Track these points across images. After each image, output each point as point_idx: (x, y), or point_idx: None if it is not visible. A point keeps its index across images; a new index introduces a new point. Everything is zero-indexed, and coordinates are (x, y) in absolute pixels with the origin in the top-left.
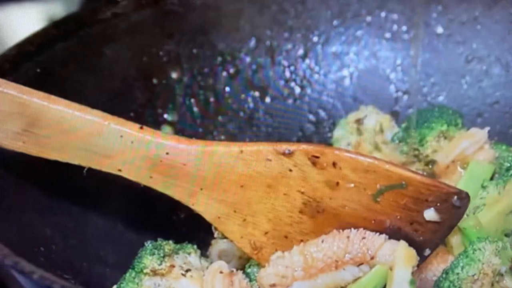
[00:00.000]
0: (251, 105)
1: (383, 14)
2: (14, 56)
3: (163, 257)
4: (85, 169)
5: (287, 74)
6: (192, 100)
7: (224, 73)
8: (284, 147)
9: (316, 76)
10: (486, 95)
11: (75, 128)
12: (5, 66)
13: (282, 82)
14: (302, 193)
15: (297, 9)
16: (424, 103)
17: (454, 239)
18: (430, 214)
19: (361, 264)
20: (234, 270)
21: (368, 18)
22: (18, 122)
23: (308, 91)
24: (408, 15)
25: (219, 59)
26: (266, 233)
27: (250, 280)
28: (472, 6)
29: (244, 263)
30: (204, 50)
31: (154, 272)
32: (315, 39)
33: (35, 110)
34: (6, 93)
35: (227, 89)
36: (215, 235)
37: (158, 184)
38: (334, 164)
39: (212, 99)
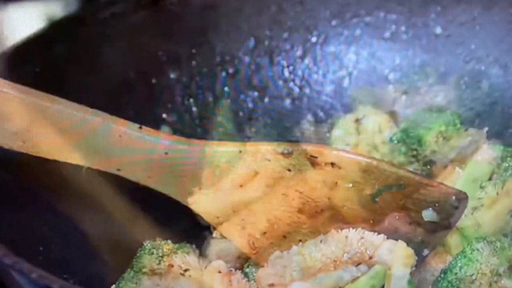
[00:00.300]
0: (250, 105)
1: (381, 14)
2: (14, 56)
3: (162, 257)
4: (84, 168)
5: (286, 74)
6: (191, 100)
7: (223, 73)
8: (283, 147)
9: (314, 76)
10: (484, 96)
11: (75, 128)
12: (5, 66)
13: (281, 82)
14: (301, 193)
15: (296, 10)
16: (423, 103)
17: (453, 239)
18: (428, 214)
19: (360, 264)
20: (233, 270)
21: (367, 19)
22: (18, 122)
23: (307, 91)
24: (407, 16)
25: (218, 59)
26: (264, 233)
27: (249, 280)
28: (470, 7)
29: (242, 262)
30: (203, 50)
31: (153, 272)
32: (314, 39)
33: (35, 110)
34: (6, 93)
35: (226, 89)
36: (214, 235)
37: (157, 184)
38: (332, 164)
39: (211, 99)
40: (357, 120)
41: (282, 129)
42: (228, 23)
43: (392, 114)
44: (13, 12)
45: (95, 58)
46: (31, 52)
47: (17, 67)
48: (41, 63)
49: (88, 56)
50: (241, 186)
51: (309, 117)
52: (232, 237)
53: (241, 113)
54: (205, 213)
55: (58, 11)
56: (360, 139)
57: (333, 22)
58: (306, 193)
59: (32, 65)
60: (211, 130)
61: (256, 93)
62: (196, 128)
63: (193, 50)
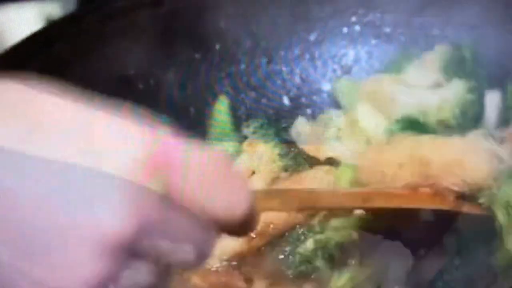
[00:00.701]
0: (247, 105)
1: (379, 15)
2: (13, 56)
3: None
4: None
5: (284, 73)
6: (189, 100)
7: (222, 73)
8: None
9: (312, 75)
10: (482, 97)
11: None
12: (5, 66)
13: (278, 82)
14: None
15: (293, 9)
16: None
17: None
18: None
19: None
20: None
21: (365, 19)
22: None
23: (305, 90)
24: (404, 16)
25: (216, 59)
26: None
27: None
28: (468, 8)
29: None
30: (201, 51)
31: None
32: (311, 39)
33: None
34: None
35: (224, 89)
36: None
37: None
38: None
39: (209, 99)
40: (355, 120)
41: (279, 129)
42: (226, 23)
43: (390, 115)
44: (12, 12)
45: (94, 58)
46: (29, 53)
47: (16, 68)
48: (40, 63)
49: (86, 56)
50: None
51: (307, 116)
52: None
53: (238, 113)
54: None
55: (57, 11)
56: (358, 139)
57: (331, 22)
58: (303, 193)
59: (31, 65)
60: (209, 130)
61: (253, 93)
62: (194, 128)
63: (191, 51)
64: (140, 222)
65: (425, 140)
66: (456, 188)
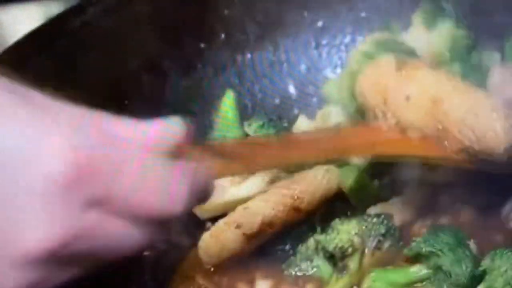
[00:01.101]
0: (249, 104)
1: (380, 12)
2: (13, 55)
3: None
4: None
5: (284, 72)
6: (192, 99)
7: (225, 72)
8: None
9: (312, 75)
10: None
11: None
12: (8, 63)
13: (279, 81)
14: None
15: (296, 6)
16: None
17: None
18: None
19: None
20: None
21: (365, 16)
22: None
23: (311, 79)
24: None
25: (221, 49)
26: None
27: None
28: None
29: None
30: (206, 40)
31: None
32: (311, 37)
33: None
34: None
35: (227, 87)
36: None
37: None
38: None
39: (212, 97)
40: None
41: (280, 129)
42: (231, 20)
43: None
44: (16, 13)
45: (97, 51)
46: (29, 52)
47: (17, 67)
48: (44, 59)
49: (90, 49)
50: (238, 184)
51: (308, 114)
52: (227, 235)
53: (244, 101)
54: (202, 210)
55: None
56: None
57: (331, 21)
58: (303, 192)
59: (31, 64)
60: (215, 122)
61: (260, 82)
62: (200, 120)
63: (197, 40)
64: (67, 233)
65: (442, 76)
66: (465, 142)
